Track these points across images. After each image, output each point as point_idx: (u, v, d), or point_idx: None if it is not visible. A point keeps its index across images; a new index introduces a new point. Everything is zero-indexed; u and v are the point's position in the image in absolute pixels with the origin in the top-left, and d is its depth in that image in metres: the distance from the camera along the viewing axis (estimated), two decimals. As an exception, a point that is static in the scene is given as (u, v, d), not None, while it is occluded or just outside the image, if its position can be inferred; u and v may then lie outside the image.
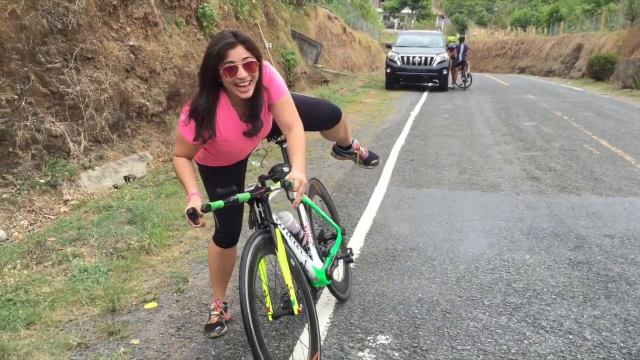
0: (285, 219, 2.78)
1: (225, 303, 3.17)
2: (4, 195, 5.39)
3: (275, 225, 2.61)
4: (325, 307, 3.33)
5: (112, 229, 4.42)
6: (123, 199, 5.35)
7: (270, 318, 2.42)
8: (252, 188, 2.57)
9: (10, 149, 5.63)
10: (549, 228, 4.90)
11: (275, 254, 2.57)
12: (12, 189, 5.54)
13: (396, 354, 2.86)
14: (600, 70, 24.43)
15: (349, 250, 3.38)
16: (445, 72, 19.42)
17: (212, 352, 2.84)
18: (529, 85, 24.41)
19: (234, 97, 2.50)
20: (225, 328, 3.05)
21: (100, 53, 7.34)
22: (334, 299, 3.39)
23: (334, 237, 3.41)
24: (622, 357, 2.86)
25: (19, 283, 3.52)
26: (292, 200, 2.54)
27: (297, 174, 2.46)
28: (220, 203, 2.38)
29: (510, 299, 3.51)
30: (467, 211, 5.37)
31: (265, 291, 2.44)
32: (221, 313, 3.09)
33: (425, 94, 18.28)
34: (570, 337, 3.06)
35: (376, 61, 34.99)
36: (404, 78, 19.81)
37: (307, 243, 2.94)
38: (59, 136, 6.30)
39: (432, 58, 19.14)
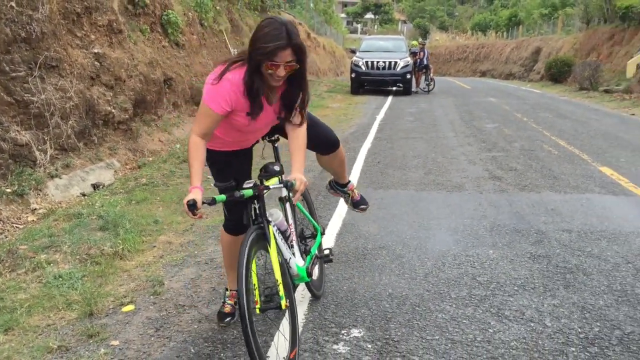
0: (275, 216, 2.86)
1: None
2: (-30, 206, 5.34)
3: (269, 222, 2.73)
4: (299, 303, 3.44)
5: (84, 236, 4.44)
6: (93, 207, 5.36)
7: (257, 311, 2.49)
8: (252, 185, 2.67)
9: (-24, 159, 5.59)
10: (511, 224, 5.10)
11: (267, 250, 2.68)
12: (-22, 199, 5.49)
13: (369, 346, 2.98)
14: (558, 73, 25.12)
15: (328, 251, 3.47)
16: (408, 76, 19.74)
17: (192, 350, 2.93)
18: (490, 88, 24.97)
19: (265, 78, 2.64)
20: (235, 318, 3.15)
21: (65, 61, 7.30)
22: (308, 295, 3.51)
23: (314, 236, 3.51)
24: (580, 342, 3.05)
25: (-7, 291, 3.53)
26: (282, 198, 2.84)
27: (298, 175, 2.65)
28: (222, 197, 2.52)
29: (475, 292, 3.68)
30: (433, 210, 5.55)
31: (254, 285, 2.52)
32: (235, 303, 3.19)
33: (390, 98, 18.56)
34: (532, 324, 3.24)
35: (341, 66, 35.27)
36: (368, 83, 20.07)
37: (291, 241, 3.04)
38: (24, 145, 6.25)
39: (395, 63, 19.44)
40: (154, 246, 4.49)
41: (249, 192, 2.60)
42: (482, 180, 6.80)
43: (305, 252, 3.26)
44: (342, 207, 5.59)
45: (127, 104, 8.58)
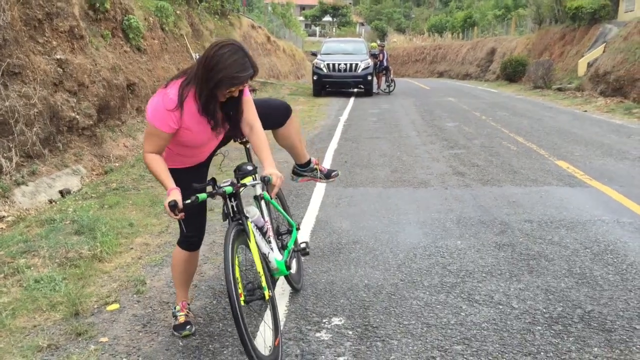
0: (252, 213, 2.96)
1: (189, 303, 3.29)
2: (-64, 215, 5.28)
3: (247, 218, 2.84)
4: (281, 296, 3.57)
5: (61, 240, 4.47)
6: (66, 212, 5.36)
7: (242, 302, 2.58)
8: (229, 183, 2.77)
9: (-60, 167, 5.52)
10: (476, 217, 5.34)
11: (247, 245, 2.80)
12: (-56, 208, 5.43)
13: (350, 332, 3.14)
14: (513, 73, 25.82)
15: (305, 244, 3.56)
16: (370, 77, 20.04)
17: (180, 343, 3.02)
18: (448, 88, 25.52)
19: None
20: (194, 327, 3.17)
21: (28, 67, 7.24)
22: (288, 289, 3.64)
23: (289, 232, 3.62)
24: (545, 321, 3.26)
25: (-27, 296, 3.54)
26: (257, 197, 3.02)
27: (273, 170, 2.76)
28: (204, 195, 2.63)
29: (446, 280, 3.87)
30: (402, 206, 5.75)
31: (238, 278, 2.61)
32: (187, 313, 3.19)
33: (352, 99, 18.82)
34: (500, 307, 3.44)
35: (301, 69, 35.44)
36: (330, 84, 20.30)
37: (269, 236, 3.13)
38: (-11, 153, 6.19)
39: (356, 65, 19.72)
40: (132, 248, 4.54)
41: (229, 189, 2.72)
42: (447, 176, 7.04)
43: (282, 247, 3.36)
44: (314, 205, 5.75)
45: (91, 109, 8.53)
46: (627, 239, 4.66)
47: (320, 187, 6.48)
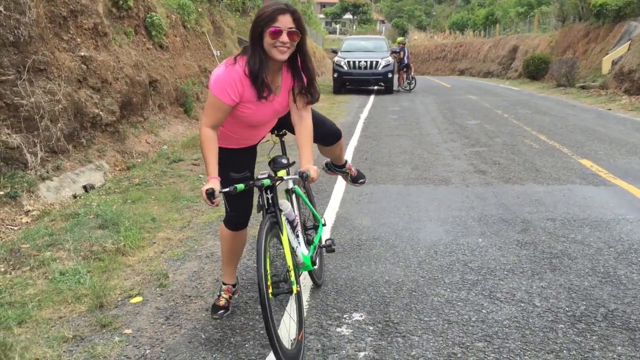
0: (284, 206, 2.95)
1: (234, 285, 3.36)
2: (-35, 208, 5.39)
3: (281, 211, 2.85)
4: (302, 291, 3.58)
5: (85, 234, 4.54)
6: (90, 206, 5.44)
7: (270, 295, 2.59)
8: (266, 176, 2.79)
9: (-32, 162, 5.63)
10: (498, 215, 5.30)
11: (279, 238, 2.81)
12: (-28, 201, 5.54)
13: (370, 328, 3.14)
14: (535, 70, 25.55)
15: (330, 241, 3.54)
16: (390, 75, 19.97)
17: (202, 336, 3.06)
18: (470, 86, 25.33)
19: (266, 64, 2.71)
20: (229, 312, 3.23)
21: (52, 64, 7.35)
22: (309, 284, 3.65)
23: (315, 227, 3.62)
24: (567, 319, 3.23)
25: (1, 287, 3.61)
26: (288, 190, 3.01)
27: (310, 165, 2.75)
28: (241, 186, 2.64)
29: (467, 277, 3.86)
30: (423, 203, 5.73)
31: (267, 271, 2.62)
32: (230, 297, 3.27)
33: (372, 97, 18.78)
34: (522, 305, 3.42)
35: (321, 66, 35.41)
36: (350, 82, 20.28)
37: (297, 230, 3.13)
38: (15, 148, 6.30)
39: (377, 62, 19.67)
40: (154, 242, 4.59)
41: (267, 182, 2.73)
42: (468, 174, 7.00)
43: (308, 242, 3.37)
44: (335, 201, 5.76)
45: (114, 106, 8.64)
46: (652, 238, 4.60)
47: (341, 184, 6.49)
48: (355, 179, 3.96)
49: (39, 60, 6.97)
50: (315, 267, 3.43)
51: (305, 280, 3.67)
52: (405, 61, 21.50)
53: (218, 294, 3.33)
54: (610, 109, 14.38)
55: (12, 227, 5.49)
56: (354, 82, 20.26)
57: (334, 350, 2.91)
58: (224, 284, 3.33)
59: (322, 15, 71.50)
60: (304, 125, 2.91)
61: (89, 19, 8.58)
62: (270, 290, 2.60)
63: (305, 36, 2.76)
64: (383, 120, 12.46)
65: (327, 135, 3.45)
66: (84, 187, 6.84)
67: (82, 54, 8.16)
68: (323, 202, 5.77)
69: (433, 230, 4.89)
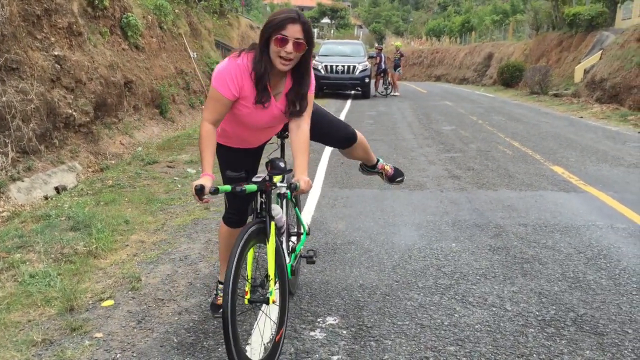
0: (276, 212, 2.86)
1: None
2: None
3: (272, 218, 2.75)
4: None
5: (56, 236, 4.47)
6: (62, 208, 5.36)
7: (245, 301, 2.56)
8: (260, 180, 2.69)
9: (-64, 162, 5.51)
10: (471, 220, 5.36)
11: (264, 244, 2.72)
12: (-60, 202, 5.42)
13: (344, 332, 3.15)
14: (510, 78, 25.90)
15: (312, 252, 3.46)
16: (367, 80, 20.08)
17: (175, 340, 3.03)
18: (445, 92, 25.58)
19: (270, 69, 2.66)
20: None
21: (25, 63, 7.23)
22: None
23: (299, 235, 3.54)
24: (538, 323, 3.28)
25: (-32, 290, 3.54)
26: (281, 195, 2.94)
27: (302, 176, 2.65)
28: (227, 187, 2.54)
29: (440, 281, 3.89)
30: (397, 208, 5.76)
31: (247, 277, 2.57)
32: None
33: (349, 101, 18.85)
34: (494, 309, 3.46)
35: (299, 70, 35.38)
36: (328, 86, 20.31)
37: (282, 237, 3.05)
38: (-14, 148, 6.19)
39: (354, 67, 19.76)
40: (127, 245, 4.54)
41: (252, 188, 2.60)
42: (442, 180, 7.07)
43: (290, 249, 3.30)
44: (310, 205, 5.76)
45: (88, 106, 8.53)
46: (620, 244, 4.69)
47: (315, 188, 6.50)
48: (392, 178, 3.83)
49: (11, 59, 6.86)
50: (294, 276, 3.38)
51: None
52: (382, 66, 21.64)
53: (215, 292, 3.32)
54: (582, 117, 14.65)
55: (-19, 229, 5.38)
56: (331, 86, 20.31)
57: (307, 354, 2.91)
58: (220, 282, 3.27)
59: (300, 19, 71.37)
60: (300, 133, 2.81)
61: (63, 18, 8.47)
62: (247, 297, 2.55)
63: (312, 49, 2.70)
64: (359, 125, 12.50)
65: (339, 140, 3.38)
66: (56, 189, 6.73)
67: (56, 53, 8.04)
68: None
69: (407, 234, 4.92)
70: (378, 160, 3.73)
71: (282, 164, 2.97)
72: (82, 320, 3.21)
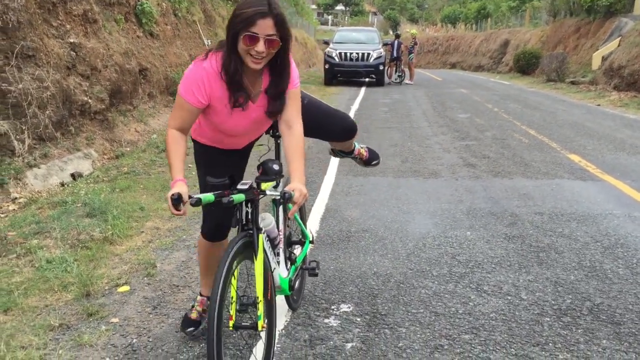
0: (266, 222, 2.57)
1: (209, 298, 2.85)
2: (-50, 195, 5.34)
3: (260, 230, 2.42)
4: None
5: (72, 222, 4.50)
6: (78, 194, 5.41)
7: (230, 327, 2.25)
8: (247, 187, 2.32)
9: (-46, 148, 5.58)
10: (486, 208, 5.32)
11: (252, 261, 2.38)
12: (-42, 188, 5.49)
13: (358, 319, 3.15)
14: (526, 65, 25.63)
15: (315, 264, 3.24)
16: (381, 67, 19.98)
17: (190, 326, 3.05)
18: (461, 80, 25.38)
19: (245, 65, 2.35)
20: (200, 327, 2.93)
21: (41, 50, 7.27)
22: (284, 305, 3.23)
23: (301, 243, 3.24)
24: (553, 312, 3.26)
25: (-14, 275, 3.59)
26: (276, 201, 2.58)
27: (298, 185, 2.33)
28: (210, 197, 2.17)
29: (455, 270, 3.87)
30: (412, 196, 5.74)
31: (232, 298, 2.25)
32: (203, 310, 2.96)
33: (363, 89, 18.76)
34: (509, 298, 3.44)
35: (312, 57, 35.33)
36: (342, 74, 20.25)
37: (278, 249, 2.78)
38: (3, 134, 6.24)
39: (368, 54, 19.66)
40: (142, 232, 4.57)
41: (239, 198, 2.24)
42: (457, 168, 7.02)
43: (291, 261, 3.01)
44: (324, 193, 5.76)
45: (103, 94, 8.56)
46: (638, 233, 4.63)
47: (330, 176, 6.49)
48: (368, 162, 3.54)
49: (27, 46, 6.89)
50: (293, 291, 3.04)
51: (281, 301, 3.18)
52: (395, 54, 21.51)
53: (192, 304, 3.06)
54: (599, 105, 14.47)
55: (-1, 215, 5.45)
56: (345, 73, 20.24)
57: (322, 341, 2.92)
58: (201, 294, 3.03)
59: (314, 6, 71.19)
60: (293, 135, 2.50)
61: (78, 5, 8.49)
62: (232, 322, 2.24)
63: (289, 42, 2.36)
64: (374, 113, 12.46)
65: (340, 133, 3.07)
66: (72, 175, 6.79)
67: (72, 40, 8.07)
68: (312, 193, 5.77)
69: (422, 222, 4.90)
70: (355, 146, 3.42)
71: (276, 167, 2.60)
72: (98, 306, 3.25)
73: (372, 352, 2.82)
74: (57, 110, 7.27)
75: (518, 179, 6.45)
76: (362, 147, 3.51)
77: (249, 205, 2.36)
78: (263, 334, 2.52)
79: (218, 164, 2.70)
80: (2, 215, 5.30)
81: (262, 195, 2.39)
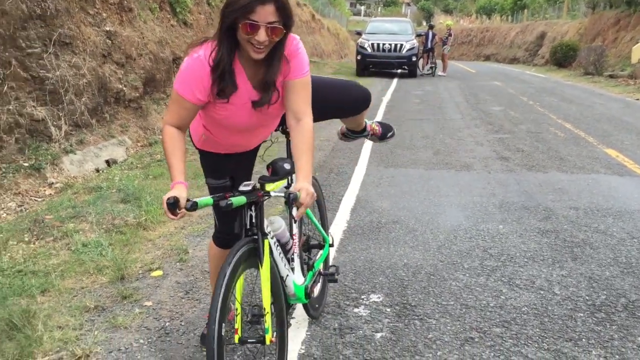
0: (276, 226, 2.43)
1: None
2: (-10, 179, 5.49)
3: (265, 235, 2.22)
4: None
5: (107, 207, 4.59)
6: (112, 180, 5.51)
7: (236, 340, 2.09)
8: (249, 189, 2.14)
9: (-5, 133, 5.72)
10: (520, 202, 5.25)
11: (258, 269, 2.20)
12: (-2, 172, 5.63)
13: (388, 310, 3.15)
14: (563, 58, 25.11)
15: (334, 269, 2.98)
16: (414, 58, 19.82)
17: (221, 311, 3.09)
18: (495, 72, 25.00)
19: (244, 54, 2.16)
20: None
21: (78, 38, 7.39)
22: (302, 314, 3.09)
23: (320, 246, 3.03)
24: (587, 308, 3.20)
25: (25, 256, 3.69)
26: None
27: (304, 184, 2.10)
28: (208, 200, 2.02)
29: (487, 263, 3.83)
30: (443, 188, 5.69)
31: (237, 310, 2.12)
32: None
33: (395, 80, 18.63)
34: (542, 292, 3.39)
35: (345, 48, 35.19)
36: (374, 64, 20.14)
37: (292, 254, 2.60)
38: (40, 120, 6.37)
39: (401, 45, 19.50)
40: (175, 218, 4.64)
41: (240, 201, 2.05)
42: (490, 161, 6.93)
43: (308, 267, 2.81)
44: (355, 184, 5.75)
45: (138, 82, 8.68)
46: (677, 231, 4.52)
47: (361, 166, 6.47)
48: (383, 136, 3.30)
49: (64, 34, 7.01)
50: (314, 295, 2.87)
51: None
52: (429, 45, 21.30)
53: (207, 321, 2.71)
54: (638, 99, 14.09)
55: (36, 199, 5.58)
56: (377, 64, 20.12)
57: (351, 330, 2.92)
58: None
59: (347, -3, 70.80)
60: (301, 129, 2.25)
61: (114, -6, 8.61)
62: (237, 335, 2.09)
63: (291, 28, 2.15)
64: (405, 104, 12.37)
65: (353, 104, 2.79)
66: (107, 162, 6.91)
67: (107, 28, 8.19)
68: (343, 184, 5.76)
69: (453, 215, 4.85)
70: (365, 123, 3.17)
71: (287, 166, 2.36)
72: (132, 289, 3.31)
73: (402, 343, 2.81)
74: (92, 98, 7.40)
75: (553, 173, 6.33)
76: (373, 123, 3.28)
77: (252, 208, 2.18)
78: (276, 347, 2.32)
79: (221, 165, 2.52)
80: (40, 200, 5.43)
81: (266, 197, 2.21)
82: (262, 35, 2.03)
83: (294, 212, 2.16)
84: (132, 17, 9.13)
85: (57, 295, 3.20)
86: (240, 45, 2.12)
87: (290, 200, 2.02)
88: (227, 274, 2.00)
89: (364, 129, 3.18)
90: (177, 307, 3.13)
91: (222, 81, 2.14)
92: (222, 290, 1.96)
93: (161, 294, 3.28)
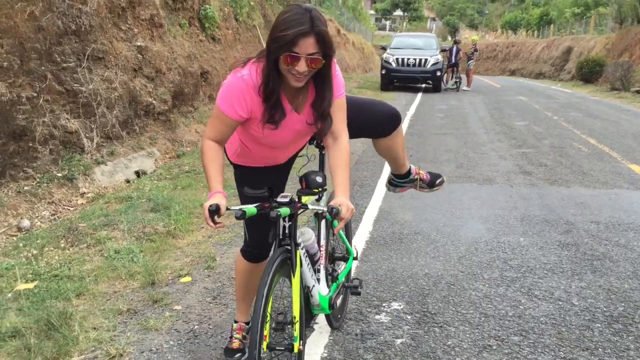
0: (306, 237, 2.50)
1: (247, 323, 2.82)
2: (26, 188, 5.71)
3: (297, 245, 2.32)
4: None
5: (138, 216, 4.77)
6: (142, 190, 5.70)
7: (264, 348, 2.12)
8: (287, 200, 2.24)
9: (30, 144, 5.94)
10: (541, 215, 5.29)
11: (289, 278, 2.29)
12: (33, 181, 5.85)
13: (409, 317, 3.24)
14: (589, 73, 24.90)
15: (358, 281, 3.01)
16: (438, 73, 19.86)
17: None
18: (520, 87, 24.91)
19: (284, 79, 2.24)
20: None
21: (110, 53, 7.65)
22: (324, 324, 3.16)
23: (345, 259, 3.07)
24: (605, 319, 3.26)
25: (60, 262, 3.87)
26: (319, 214, 2.40)
27: (344, 200, 2.19)
28: (252, 210, 2.07)
29: (506, 274, 3.90)
30: (465, 201, 5.76)
31: (267, 317, 2.14)
32: (243, 337, 2.77)
33: (420, 94, 18.71)
34: (560, 303, 3.45)
35: (370, 62, 35.40)
36: (398, 79, 20.24)
37: (319, 265, 2.67)
38: (73, 132, 6.61)
39: (426, 60, 19.57)
40: (202, 227, 4.79)
41: (286, 211, 2.15)
42: (513, 175, 6.98)
43: (332, 278, 2.85)
44: (378, 195, 5.85)
45: (167, 95, 8.92)
46: (699, 246, 4.53)
47: (384, 179, 6.56)
48: (432, 183, 3.30)
49: (98, 49, 7.28)
50: (334, 309, 2.84)
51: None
52: (453, 60, 21.35)
53: (230, 335, 2.83)
54: (665, 115, 13.97)
55: (69, 208, 5.79)
56: (401, 79, 20.22)
57: (372, 335, 3.03)
58: (236, 321, 2.83)
59: (372, 11, 71.25)
60: (339, 146, 2.36)
61: (146, 10, 8.88)
62: (266, 342, 2.12)
63: (332, 58, 2.22)
64: (429, 118, 12.45)
65: (382, 120, 2.74)
66: (136, 173, 7.12)
67: (139, 44, 8.46)
68: (366, 196, 5.87)
69: (474, 227, 4.93)
70: (410, 167, 3.16)
71: (319, 179, 2.40)
72: (162, 294, 3.46)
73: (421, 349, 2.90)
74: (123, 111, 7.64)
75: (575, 188, 6.36)
76: (418, 168, 3.29)
77: (287, 219, 2.26)
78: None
79: (256, 177, 2.58)
80: (72, 209, 5.64)
81: (302, 209, 2.28)
82: (302, 66, 2.11)
83: (328, 225, 2.33)
84: (163, 32, 9.41)
85: (91, 299, 3.37)
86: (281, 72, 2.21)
87: (333, 215, 2.11)
88: (268, 281, 2.09)
89: (409, 172, 3.17)
90: (206, 311, 3.28)
91: (273, 110, 2.25)
92: (264, 297, 2.06)
93: (190, 299, 3.43)
